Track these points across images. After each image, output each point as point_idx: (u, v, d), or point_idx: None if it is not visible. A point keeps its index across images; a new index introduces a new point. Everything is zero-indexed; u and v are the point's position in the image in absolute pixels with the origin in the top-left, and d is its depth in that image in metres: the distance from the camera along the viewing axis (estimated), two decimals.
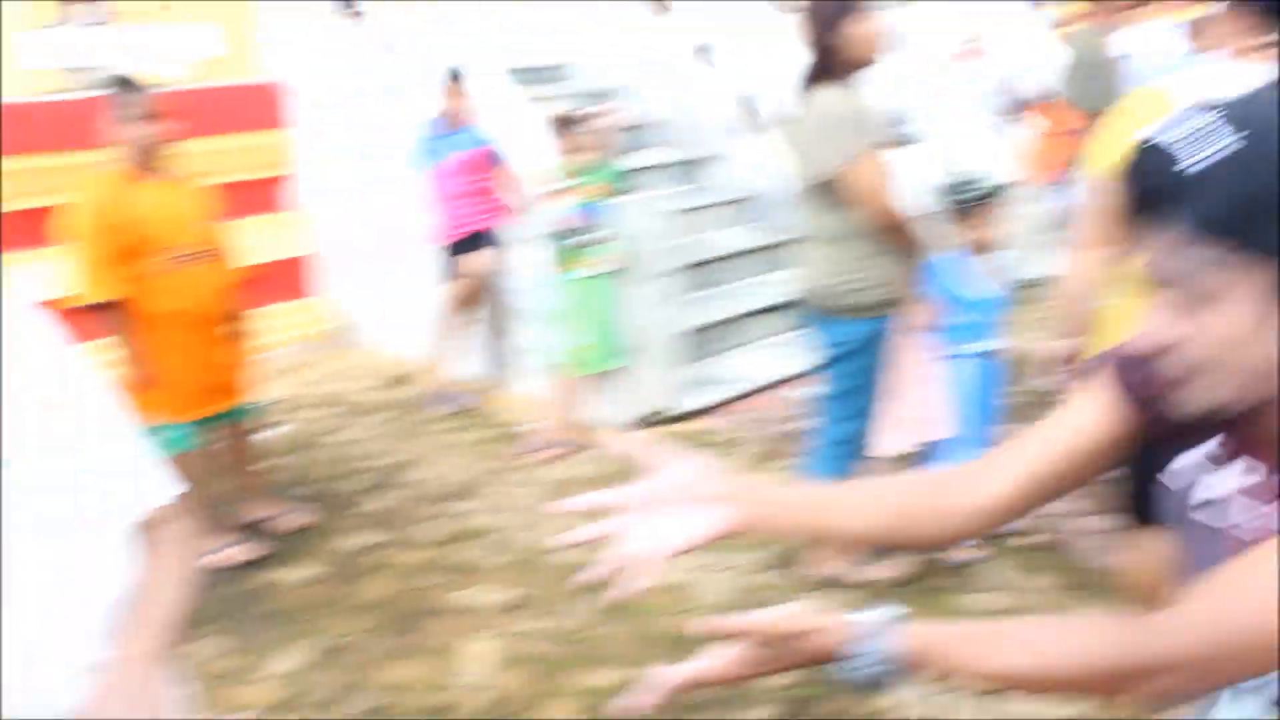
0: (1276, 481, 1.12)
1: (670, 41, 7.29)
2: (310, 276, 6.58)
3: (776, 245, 5.89)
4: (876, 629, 1.12)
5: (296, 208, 6.62)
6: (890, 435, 3.58)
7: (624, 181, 4.92)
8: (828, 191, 3.22)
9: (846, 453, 3.48)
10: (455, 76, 5.15)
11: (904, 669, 1.12)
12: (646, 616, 3.45)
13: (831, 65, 3.20)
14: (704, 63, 7.19)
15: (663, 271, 4.99)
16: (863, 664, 1.12)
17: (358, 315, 6.41)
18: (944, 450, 3.62)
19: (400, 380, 5.74)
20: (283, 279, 5.52)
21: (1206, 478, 1.19)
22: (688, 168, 7.02)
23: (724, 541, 2.75)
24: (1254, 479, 1.15)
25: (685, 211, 6.14)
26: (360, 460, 4.76)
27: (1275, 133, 0.96)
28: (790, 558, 3.76)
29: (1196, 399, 1.13)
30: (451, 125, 5.15)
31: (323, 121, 6.28)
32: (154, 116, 3.57)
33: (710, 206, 6.66)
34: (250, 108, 6.16)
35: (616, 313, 4.80)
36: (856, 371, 3.37)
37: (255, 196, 4.80)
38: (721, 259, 6.25)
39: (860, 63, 3.17)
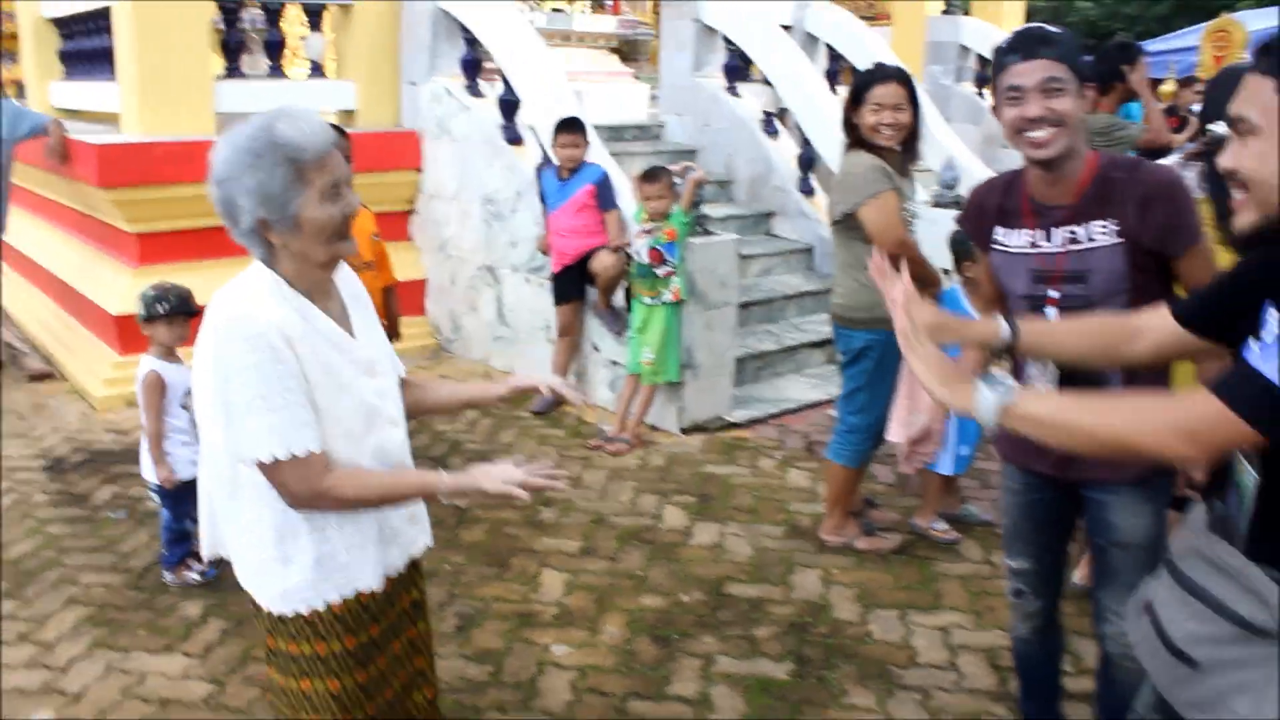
0: None
1: (746, 108, 8.28)
2: (424, 296, 7.66)
3: (826, 290, 6.79)
4: (1006, 382, 1.73)
5: (418, 237, 7.73)
6: (898, 428, 4.49)
7: (695, 228, 5.86)
8: (848, 227, 4.15)
9: (859, 441, 4.35)
10: (567, 126, 6.02)
11: (1015, 408, 1.70)
12: (685, 564, 4.36)
13: (857, 137, 4.16)
14: (772, 128, 8.17)
15: (724, 304, 5.93)
16: (994, 386, 1.72)
17: (461, 331, 7.45)
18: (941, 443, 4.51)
19: (490, 376, 6.73)
20: (406, 297, 6.50)
21: None
22: (756, 219, 7.99)
23: (749, 515, 4.01)
24: None
25: (748, 257, 7.11)
26: (466, 444, 5.74)
27: None
28: (806, 530, 4.66)
29: (1247, 216, 1.57)
30: (565, 170, 6.03)
31: (447, 164, 7.37)
32: (348, 153, 4.56)
33: (771, 255, 7.60)
34: (385, 151, 7.27)
35: (681, 336, 5.74)
36: (867, 373, 4.23)
37: (386, 226, 5.80)
38: (777, 299, 7.18)
39: (874, 139, 4.10)
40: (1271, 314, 1.54)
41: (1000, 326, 2.11)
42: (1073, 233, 2.45)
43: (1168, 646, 1.69)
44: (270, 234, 1.99)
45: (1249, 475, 1.61)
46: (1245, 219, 1.59)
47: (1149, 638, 1.75)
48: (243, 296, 1.99)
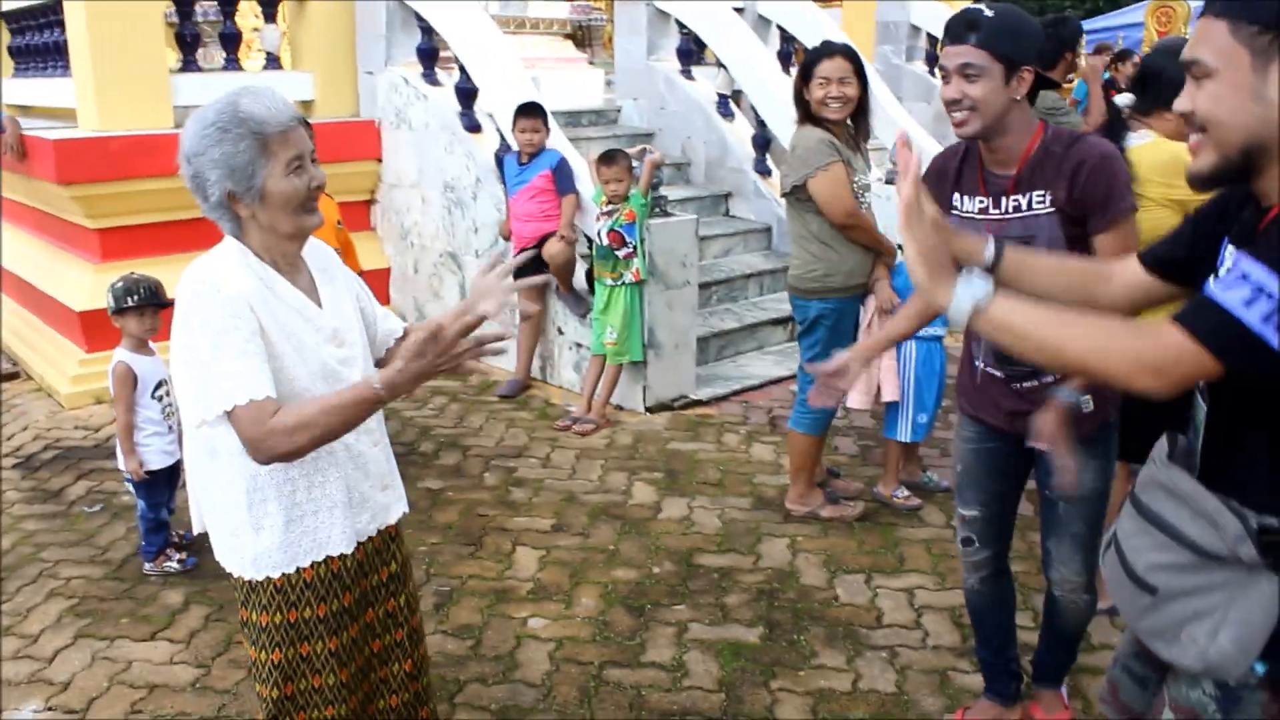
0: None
1: (701, 91, 8.38)
2: (388, 285, 7.70)
3: (784, 268, 6.92)
4: (983, 281, 1.69)
5: (380, 227, 7.77)
6: (855, 395, 4.63)
7: (654, 209, 5.96)
8: (799, 199, 4.29)
9: (819, 409, 4.47)
10: (527, 111, 6.09)
11: (988, 310, 1.66)
12: (655, 537, 4.48)
13: (807, 112, 4.29)
14: (727, 110, 8.27)
15: (684, 284, 6.04)
16: (972, 284, 1.67)
17: (426, 318, 7.50)
18: (894, 411, 4.65)
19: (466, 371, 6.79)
20: (370, 287, 6.52)
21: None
22: (713, 200, 8.09)
23: (716, 489, 4.11)
24: None
25: (707, 237, 7.21)
26: (435, 429, 5.82)
27: None
28: (772, 501, 4.79)
29: (1205, 158, 1.58)
30: (525, 155, 6.11)
31: (407, 153, 7.41)
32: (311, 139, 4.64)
33: (730, 235, 7.71)
34: (344, 141, 7.29)
35: (643, 316, 5.84)
36: (822, 342, 4.34)
37: (347, 216, 5.84)
38: (736, 278, 7.30)
39: (822, 113, 4.23)
40: (1229, 250, 1.61)
41: (986, 246, 2.10)
42: (1016, 201, 2.58)
43: (1130, 576, 1.74)
44: (238, 206, 2.09)
45: (1202, 410, 1.68)
46: (1204, 160, 1.61)
47: (1115, 569, 1.79)
48: (209, 267, 2.09)
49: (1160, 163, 3.23)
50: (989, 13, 2.47)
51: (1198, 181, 1.64)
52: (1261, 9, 1.50)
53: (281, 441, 1.99)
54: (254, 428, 1.99)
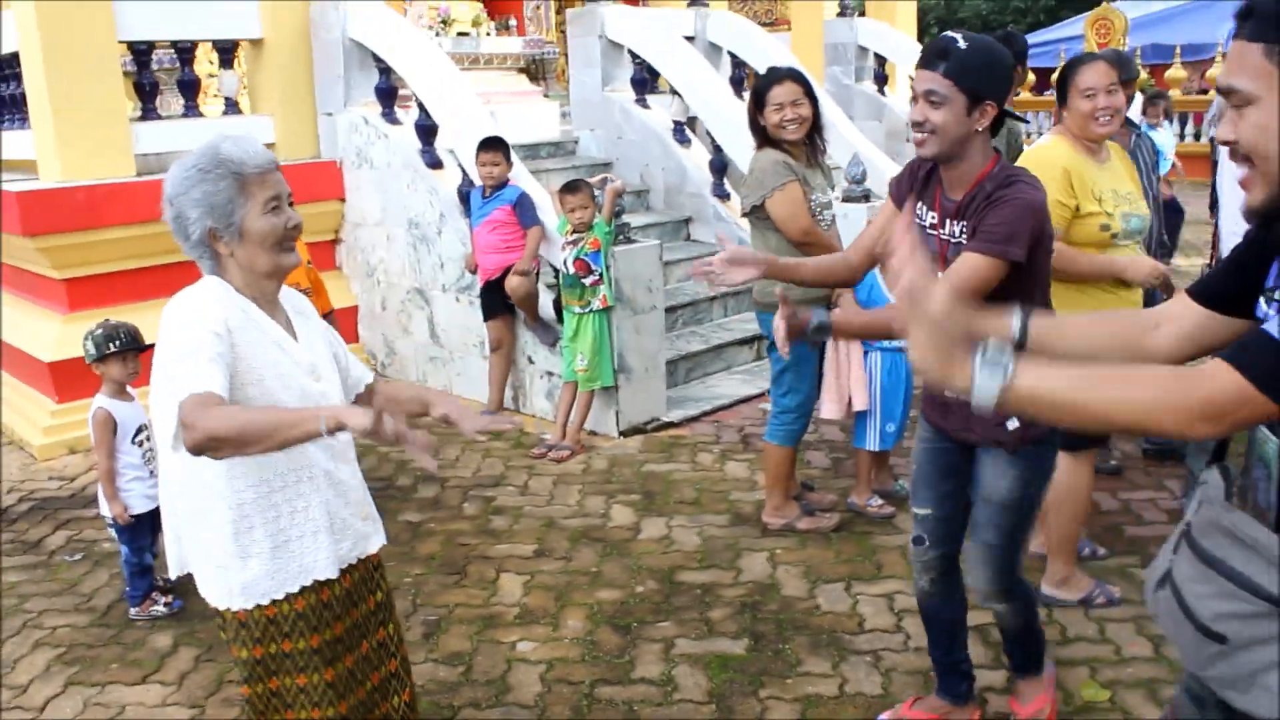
0: None
1: (657, 119, 8.51)
2: (356, 323, 7.75)
3: (748, 289, 7.03)
4: (998, 352, 1.52)
5: (345, 265, 7.82)
6: (828, 405, 4.74)
7: (618, 236, 6.06)
8: (759, 218, 4.45)
9: (791, 420, 4.59)
10: (487, 145, 6.18)
11: (1013, 387, 1.49)
12: (637, 557, 4.55)
13: (764, 137, 4.44)
14: (683, 136, 8.41)
15: (651, 309, 6.14)
16: (991, 365, 1.51)
17: (396, 354, 7.55)
18: (864, 420, 4.76)
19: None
20: (339, 325, 6.57)
21: None
22: (674, 225, 8.21)
23: (693, 507, 4.17)
24: None
25: (670, 262, 7.32)
26: (412, 463, 5.84)
27: None
28: (749, 516, 4.88)
29: (1256, 193, 1.45)
30: (488, 188, 6.19)
31: (369, 191, 7.47)
32: None
33: (692, 259, 7.80)
34: (306, 182, 7.34)
35: (612, 341, 5.93)
36: (790, 353, 4.46)
37: (313, 256, 5.88)
38: (701, 301, 7.41)
39: (780, 136, 4.36)
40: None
41: (1011, 322, 1.96)
42: (954, 227, 2.71)
43: (1194, 624, 1.61)
44: (218, 243, 2.20)
45: (1273, 444, 1.54)
46: (1256, 196, 1.50)
47: (1173, 612, 1.67)
48: (191, 301, 2.19)
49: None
50: (961, 44, 2.54)
51: (1254, 217, 1.55)
52: None
53: (198, 435, 1.93)
54: (189, 414, 1.95)
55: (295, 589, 2.26)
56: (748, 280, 2.79)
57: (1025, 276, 2.62)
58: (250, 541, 2.21)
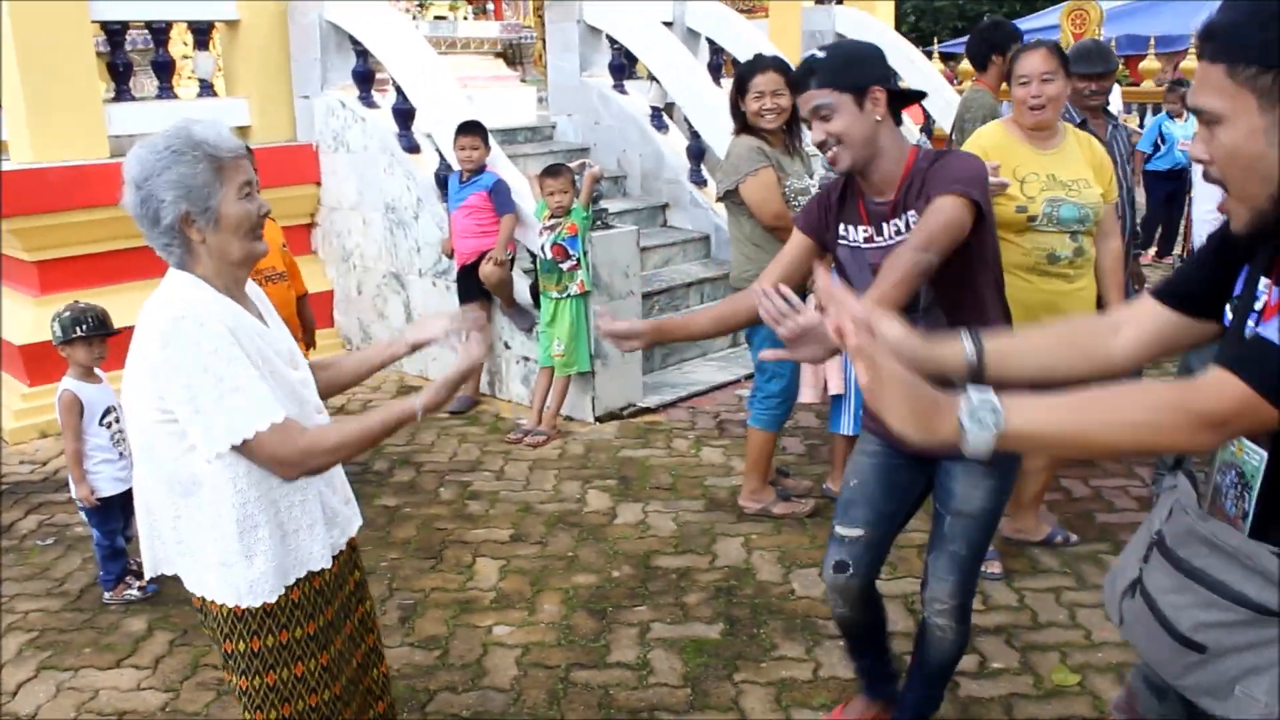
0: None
1: (635, 105, 8.50)
2: (332, 308, 7.71)
3: (724, 275, 7.04)
4: (982, 396, 1.47)
5: (321, 250, 7.78)
6: (805, 390, 4.77)
7: (595, 222, 6.06)
8: (734, 203, 4.50)
9: (775, 405, 4.62)
10: (465, 130, 6.17)
11: (1006, 431, 1.45)
12: (613, 542, 4.56)
13: (743, 123, 4.46)
14: (661, 122, 8.40)
15: (628, 294, 6.14)
16: (978, 415, 1.45)
17: (371, 339, 7.53)
18: (839, 405, 4.78)
19: (413, 389, 6.84)
20: (314, 309, 6.55)
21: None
22: (651, 211, 8.21)
23: (669, 493, 4.15)
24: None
25: (647, 248, 7.33)
26: (388, 447, 5.84)
27: None
28: (724, 502, 4.90)
29: (1239, 219, 1.43)
30: (465, 173, 6.18)
31: (346, 175, 7.44)
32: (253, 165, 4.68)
33: (669, 245, 7.83)
34: (282, 165, 7.30)
35: (589, 327, 5.93)
36: (769, 338, 4.44)
37: (288, 240, 5.86)
38: (677, 287, 7.41)
39: (758, 124, 4.39)
40: (1262, 282, 1.49)
41: (965, 347, 1.87)
42: (896, 225, 2.63)
43: (1171, 634, 1.61)
44: (191, 230, 2.11)
45: (1255, 454, 1.54)
46: (1240, 222, 1.49)
47: (1145, 622, 1.67)
48: (177, 299, 2.09)
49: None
50: (821, 55, 2.57)
51: (1243, 239, 1.53)
52: (1256, 49, 1.39)
53: (322, 459, 2.14)
54: (285, 448, 2.07)
55: (292, 581, 2.25)
56: (634, 348, 2.71)
57: (975, 257, 2.56)
58: (255, 540, 2.17)
